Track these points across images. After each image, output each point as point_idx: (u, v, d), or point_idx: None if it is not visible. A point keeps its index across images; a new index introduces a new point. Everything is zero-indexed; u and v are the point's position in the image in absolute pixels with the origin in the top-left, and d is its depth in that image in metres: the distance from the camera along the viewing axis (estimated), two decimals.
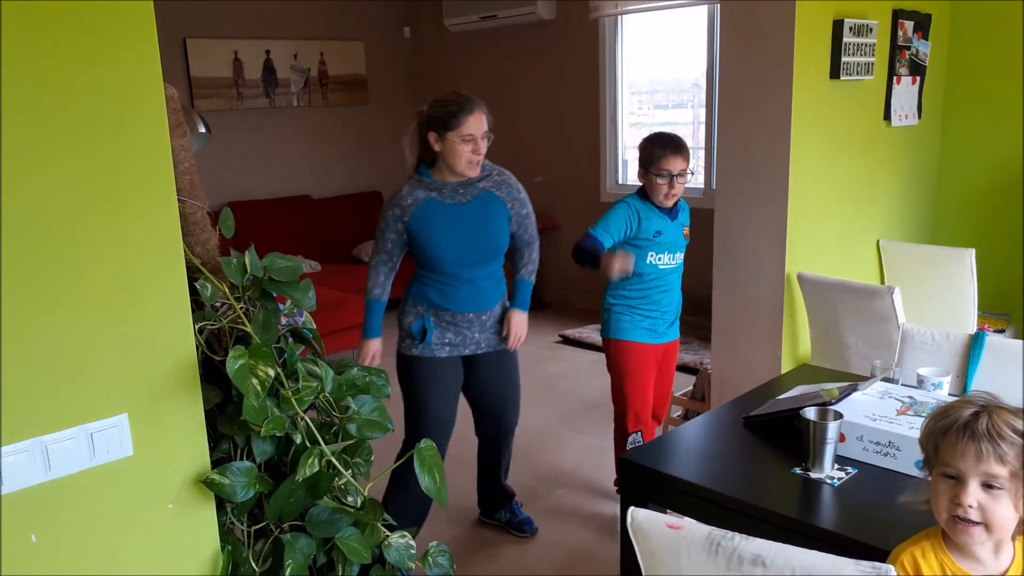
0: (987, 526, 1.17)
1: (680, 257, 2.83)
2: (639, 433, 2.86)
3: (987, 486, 1.16)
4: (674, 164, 2.68)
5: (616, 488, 3.02)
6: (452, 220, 2.54)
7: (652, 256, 2.76)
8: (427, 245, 2.53)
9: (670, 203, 2.76)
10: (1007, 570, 1.20)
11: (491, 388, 2.78)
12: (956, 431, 1.19)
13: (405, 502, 2.66)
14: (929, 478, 1.26)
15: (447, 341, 2.62)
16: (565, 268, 6.15)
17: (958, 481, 1.19)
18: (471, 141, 2.47)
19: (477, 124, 2.48)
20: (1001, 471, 1.16)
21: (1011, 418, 1.18)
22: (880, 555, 1.36)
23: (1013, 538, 1.22)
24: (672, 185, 2.70)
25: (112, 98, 1.25)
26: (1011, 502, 1.17)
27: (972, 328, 3.24)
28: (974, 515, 1.17)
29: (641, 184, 2.79)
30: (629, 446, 2.83)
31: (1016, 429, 1.17)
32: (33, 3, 1.16)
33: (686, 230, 2.86)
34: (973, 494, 1.17)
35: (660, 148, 2.69)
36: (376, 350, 2.70)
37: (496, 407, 2.82)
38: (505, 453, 2.95)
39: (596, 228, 2.73)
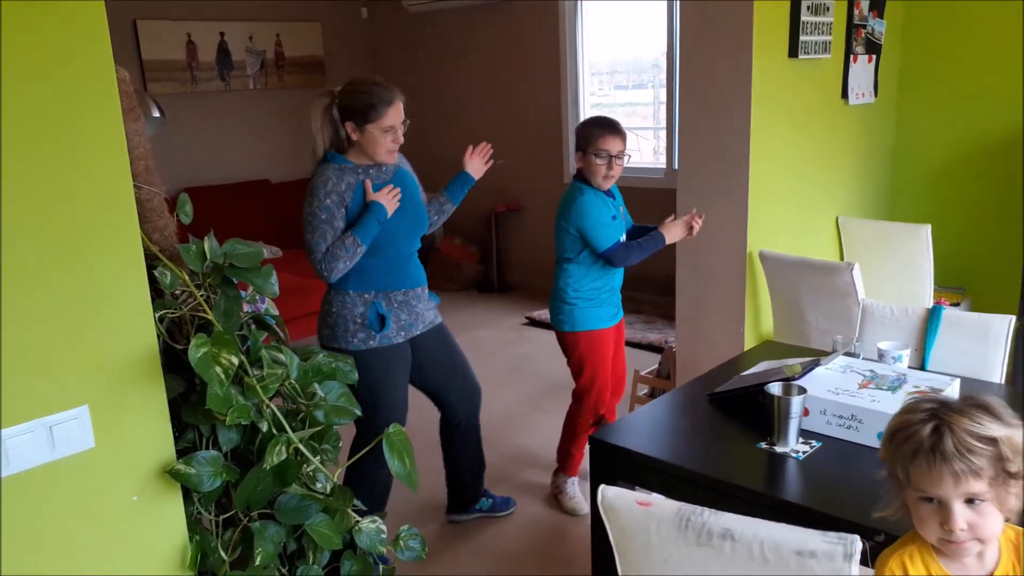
0: (979, 539, 1.15)
1: (624, 236, 2.85)
2: (604, 415, 2.95)
3: (970, 501, 1.13)
4: (612, 144, 2.71)
5: (558, 459, 3.05)
6: None
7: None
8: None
9: (607, 185, 2.78)
10: (994, 570, 1.19)
11: (443, 362, 2.72)
12: (925, 455, 1.14)
13: (364, 497, 2.60)
14: (884, 477, 1.23)
15: (401, 324, 2.56)
16: (530, 251, 6.15)
17: (941, 505, 1.14)
18: (391, 131, 2.45)
19: (396, 114, 2.45)
20: (980, 486, 1.12)
21: (971, 424, 1.13)
22: (845, 526, 1.39)
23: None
24: (611, 166, 2.72)
25: (62, 82, 1.21)
26: (996, 508, 1.14)
27: (929, 302, 3.32)
28: (965, 536, 1.14)
29: (578, 170, 2.81)
30: (599, 426, 2.89)
31: (982, 436, 1.12)
32: None
33: (623, 209, 2.90)
34: (961, 516, 1.13)
35: (599, 129, 2.72)
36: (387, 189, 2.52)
37: (458, 378, 2.76)
38: (476, 439, 2.88)
39: (600, 239, 2.72)
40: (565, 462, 3.03)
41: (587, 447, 2.98)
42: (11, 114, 1.17)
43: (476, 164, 2.75)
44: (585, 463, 3.08)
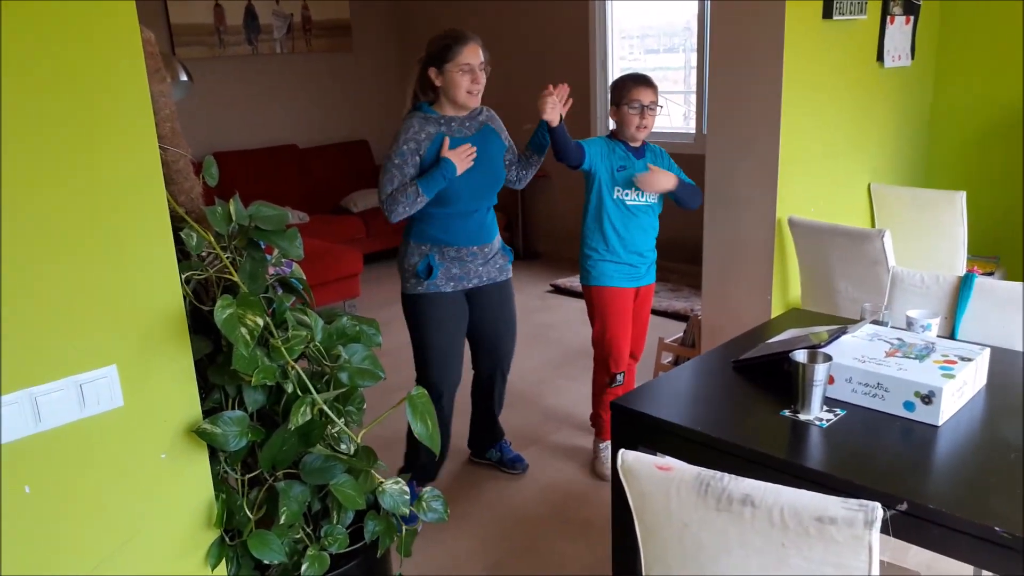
0: None
1: (652, 197, 2.88)
2: (623, 374, 2.99)
3: None
4: (644, 95, 2.79)
5: (591, 423, 3.17)
6: None
7: (619, 191, 2.84)
8: None
9: (641, 135, 2.84)
10: None
11: (492, 320, 2.85)
12: None
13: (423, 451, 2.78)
14: None
15: (452, 275, 2.68)
16: (555, 218, 6.12)
17: None
18: (469, 71, 2.54)
19: (473, 54, 2.55)
20: None
21: None
22: (868, 494, 1.38)
23: None
24: (643, 116, 2.79)
25: (87, 43, 1.21)
26: None
27: (962, 271, 3.25)
28: None
29: (611, 131, 2.89)
30: (614, 385, 2.99)
31: None
32: None
33: (654, 169, 2.85)
34: None
35: (631, 82, 2.82)
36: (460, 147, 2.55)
37: (496, 339, 2.90)
38: (502, 385, 3.02)
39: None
40: (597, 425, 3.12)
41: None
42: (36, 75, 1.18)
43: (553, 108, 2.64)
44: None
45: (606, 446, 3.07)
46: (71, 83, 1.21)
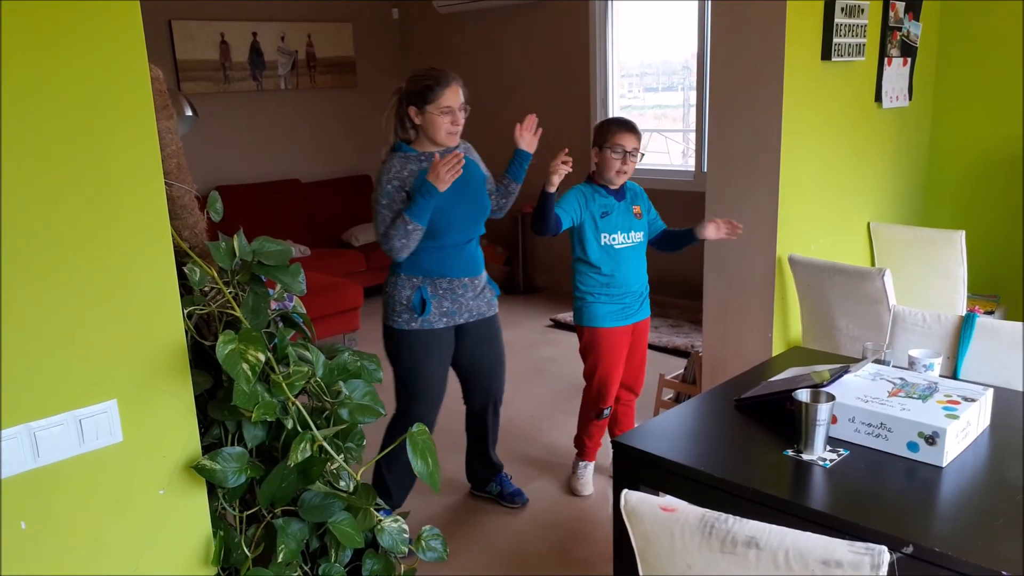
0: None
1: (637, 236, 2.94)
2: (610, 408, 3.07)
3: None
4: (628, 141, 2.84)
5: (575, 444, 3.20)
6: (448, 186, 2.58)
7: (605, 237, 2.89)
8: (433, 212, 2.58)
9: (620, 180, 2.89)
10: None
11: (483, 356, 2.85)
12: None
13: (397, 473, 2.76)
14: None
15: (444, 310, 2.69)
16: (555, 252, 6.14)
17: None
18: (449, 112, 2.59)
19: (454, 96, 2.59)
20: None
21: None
22: (873, 536, 1.37)
23: None
24: (625, 161, 2.83)
25: (96, 79, 1.23)
26: None
27: (962, 310, 3.26)
28: None
29: (592, 171, 2.96)
30: (601, 419, 3.07)
31: None
32: None
33: (636, 209, 2.96)
34: None
35: (616, 126, 2.88)
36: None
37: (489, 373, 2.91)
38: (495, 420, 3.02)
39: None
40: (580, 447, 3.18)
41: (603, 436, 3.14)
42: (46, 110, 1.19)
43: (527, 139, 2.78)
44: (604, 458, 3.13)
45: (584, 465, 3.15)
46: (81, 119, 1.22)
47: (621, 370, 3.03)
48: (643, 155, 2.93)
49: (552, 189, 2.66)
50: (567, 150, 2.71)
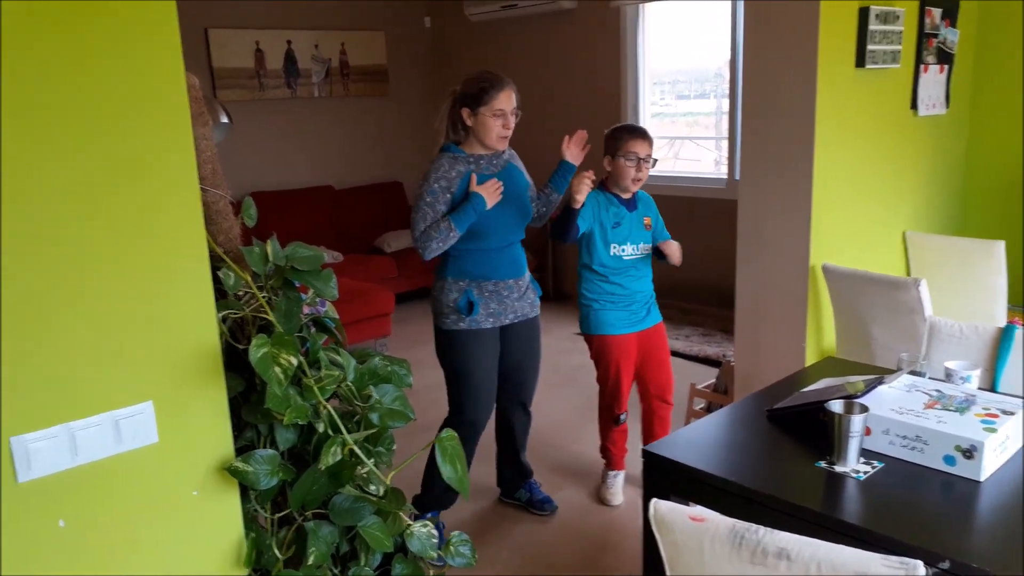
0: None
1: (645, 248, 2.94)
2: (625, 414, 3.07)
3: None
4: (641, 147, 2.83)
5: (601, 454, 3.20)
6: None
7: (615, 247, 2.89)
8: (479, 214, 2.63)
9: (634, 188, 2.89)
10: None
11: (521, 356, 2.89)
12: None
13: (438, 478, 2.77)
14: None
15: (490, 311, 2.73)
16: None
17: None
18: (501, 116, 2.63)
19: (507, 100, 2.64)
20: None
21: None
22: (907, 550, 1.34)
23: None
24: (639, 168, 2.83)
25: (134, 86, 1.25)
26: None
27: (1002, 322, 3.19)
28: None
29: (604, 177, 2.94)
30: (617, 424, 3.07)
31: None
32: None
33: (647, 220, 2.96)
34: None
35: (628, 134, 2.88)
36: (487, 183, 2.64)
37: (523, 374, 2.94)
38: (525, 420, 3.03)
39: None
40: (606, 457, 3.18)
41: (626, 442, 3.14)
42: (88, 118, 1.22)
43: (574, 152, 2.83)
44: (635, 468, 3.11)
45: (614, 475, 3.13)
46: (120, 126, 1.25)
47: (632, 376, 3.03)
48: (656, 161, 2.93)
49: (578, 206, 2.68)
50: (585, 135, 2.78)
